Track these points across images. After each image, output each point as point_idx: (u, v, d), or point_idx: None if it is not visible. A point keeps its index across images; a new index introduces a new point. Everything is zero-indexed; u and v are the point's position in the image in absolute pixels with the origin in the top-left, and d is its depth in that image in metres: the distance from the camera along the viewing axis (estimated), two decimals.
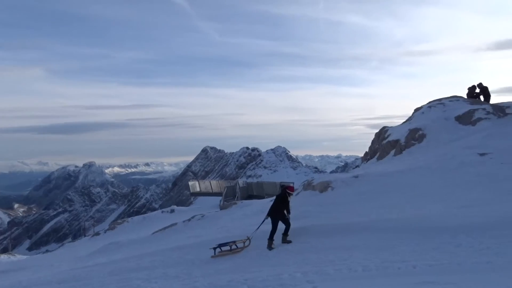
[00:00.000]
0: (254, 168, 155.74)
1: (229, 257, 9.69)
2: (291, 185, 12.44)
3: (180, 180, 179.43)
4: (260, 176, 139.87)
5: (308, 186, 16.77)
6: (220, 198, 32.23)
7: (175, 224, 19.23)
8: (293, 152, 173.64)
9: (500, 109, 21.91)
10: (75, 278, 10.11)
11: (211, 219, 18.30)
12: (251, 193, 33.19)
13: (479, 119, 20.41)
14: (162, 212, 30.26)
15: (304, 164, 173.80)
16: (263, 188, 33.44)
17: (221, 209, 20.96)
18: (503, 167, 13.46)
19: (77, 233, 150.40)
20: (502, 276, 5.74)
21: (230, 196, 31.31)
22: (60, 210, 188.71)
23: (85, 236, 30.37)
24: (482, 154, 15.22)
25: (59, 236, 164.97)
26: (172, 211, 29.44)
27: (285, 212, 10.13)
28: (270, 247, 9.81)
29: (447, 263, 6.64)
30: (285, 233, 10.04)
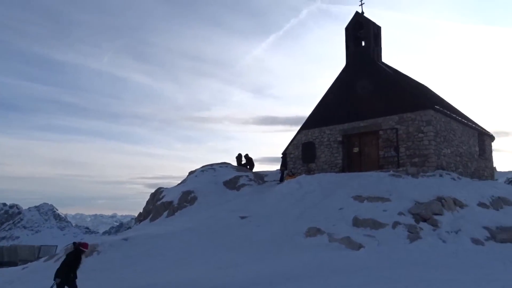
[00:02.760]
0: (10, 229, 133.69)
1: None
2: (85, 241, 11.17)
3: None
4: (18, 237, 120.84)
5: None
6: None
7: None
8: (62, 210, 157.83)
9: (260, 176, 25.14)
10: None
11: None
12: (1, 259, 28.10)
13: (243, 184, 22.84)
14: None
15: (74, 224, 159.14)
16: (17, 252, 28.75)
17: None
18: (258, 229, 15.17)
19: None
20: None
21: None
22: None
23: None
24: (242, 217, 16.87)
25: None
26: None
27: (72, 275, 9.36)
28: None
29: None
30: None
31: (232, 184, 23.08)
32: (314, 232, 13.96)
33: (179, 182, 26.27)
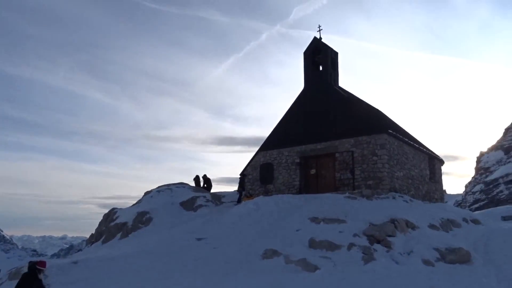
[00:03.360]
0: None
1: None
2: (42, 260, 10.46)
3: None
4: None
5: (15, 275, 14.30)
6: None
7: None
8: (7, 232, 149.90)
9: (218, 197, 24.90)
10: None
11: None
12: None
13: (200, 205, 22.53)
14: None
15: (20, 246, 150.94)
16: None
17: None
18: (215, 251, 14.92)
19: None
20: None
21: None
22: None
23: None
24: (199, 239, 16.56)
25: None
26: None
27: None
28: None
29: None
30: None
31: (189, 205, 22.72)
32: (270, 254, 13.89)
33: (135, 202, 25.59)
